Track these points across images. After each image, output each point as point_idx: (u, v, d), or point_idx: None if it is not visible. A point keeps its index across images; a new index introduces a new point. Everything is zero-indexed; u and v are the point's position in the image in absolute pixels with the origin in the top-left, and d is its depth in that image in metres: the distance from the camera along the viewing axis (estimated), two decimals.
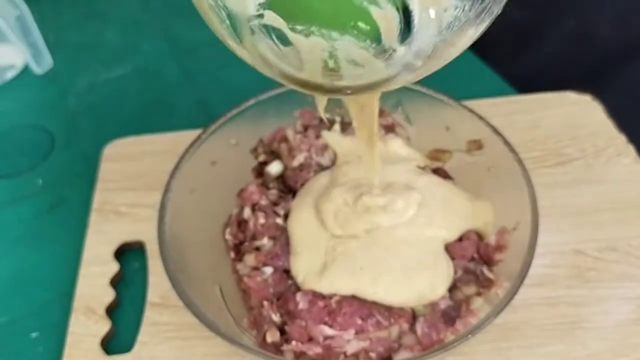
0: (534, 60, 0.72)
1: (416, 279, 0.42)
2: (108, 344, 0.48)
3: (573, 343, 0.45)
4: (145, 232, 0.53)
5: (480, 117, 0.47)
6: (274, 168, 0.49)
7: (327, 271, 0.42)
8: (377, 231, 0.44)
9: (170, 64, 0.75)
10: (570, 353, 0.45)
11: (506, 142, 0.46)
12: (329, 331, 0.41)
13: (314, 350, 0.40)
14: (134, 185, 0.57)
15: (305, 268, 0.44)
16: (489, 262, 0.44)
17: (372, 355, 0.40)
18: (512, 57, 0.69)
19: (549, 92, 0.62)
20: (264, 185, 0.49)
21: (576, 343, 0.45)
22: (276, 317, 0.42)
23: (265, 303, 0.42)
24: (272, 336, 0.40)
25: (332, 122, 0.51)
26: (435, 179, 0.49)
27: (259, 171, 0.50)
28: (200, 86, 0.72)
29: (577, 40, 0.70)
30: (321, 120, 0.51)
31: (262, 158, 0.50)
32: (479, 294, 0.43)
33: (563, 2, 0.67)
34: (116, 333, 0.49)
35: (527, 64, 0.72)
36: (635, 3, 0.66)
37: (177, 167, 0.45)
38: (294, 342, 0.40)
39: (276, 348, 0.40)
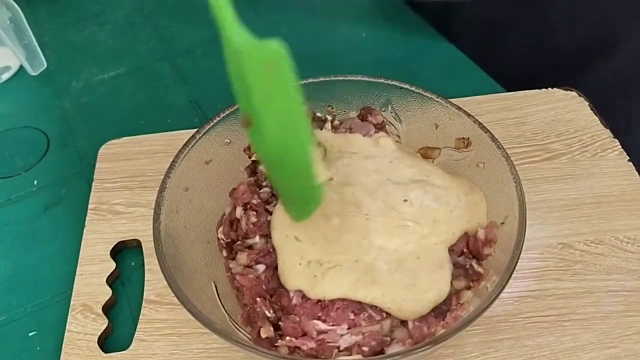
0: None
1: (423, 294, 0.42)
2: (105, 342, 0.48)
3: (562, 335, 0.46)
4: (141, 230, 0.54)
5: (469, 115, 0.47)
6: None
7: (318, 286, 0.42)
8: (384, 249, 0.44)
9: (164, 65, 0.75)
10: (559, 345, 0.45)
11: (494, 139, 0.46)
12: (322, 326, 0.41)
13: (308, 345, 0.40)
14: (130, 185, 0.58)
15: (287, 272, 0.43)
16: (478, 256, 0.45)
17: (365, 349, 0.40)
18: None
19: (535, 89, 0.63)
20: (257, 184, 0.49)
21: (565, 335, 0.46)
22: (270, 313, 0.42)
23: (259, 300, 0.43)
24: (267, 332, 0.41)
25: (323, 121, 0.51)
26: (440, 172, 0.48)
27: (252, 169, 0.50)
28: (194, 86, 0.72)
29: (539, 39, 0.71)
30: (313, 118, 0.51)
31: (255, 156, 0.50)
32: (468, 288, 0.44)
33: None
34: (113, 331, 0.49)
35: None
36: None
37: (172, 166, 0.46)
38: (287, 338, 0.41)
39: (271, 343, 0.41)
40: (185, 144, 0.47)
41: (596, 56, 0.70)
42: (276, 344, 0.41)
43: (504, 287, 0.39)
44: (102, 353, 0.47)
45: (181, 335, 0.47)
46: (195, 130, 0.48)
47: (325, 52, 0.76)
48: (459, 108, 0.48)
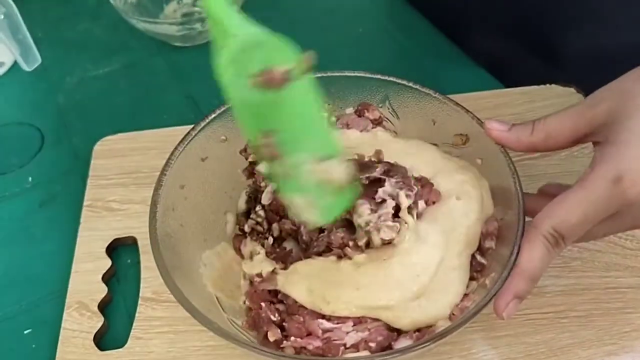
0: None
1: (440, 311, 0.41)
2: (101, 340, 0.48)
3: (560, 332, 0.46)
4: (136, 227, 0.53)
5: (467, 110, 0.47)
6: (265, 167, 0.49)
7: (325, 305, 0.41)
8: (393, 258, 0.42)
9: (159, 61, 0.75)
10: (558, 342, 0.45)
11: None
12: (327, 325, 0.41)
13: (314, 344, 0.40)
14: (125, 182, 0.57)
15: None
16: (479, 249, 0.44)
17: (372, 345, 0.40)
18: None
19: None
20: (255, 185, 0.49)
21: (563, 332, 0.46)
22: (275, 317, 0.42)
23: (264, 305, 0.42)
24: (274, 335, 0.41)
25: None
26: (445, 168, 0.47)
27: (250, 171, 0.50)
28: (189, 82, 0.72)
29: None
30: None
31: (252, 158, 0.49)
32: (472, 279, 0.43)
33: None
34: (109, 329, 0.49)
35: None
36: None
37: (167, 164, 0.45)
38: (292, 338, 0.40)
39: (277, 345, 0.41)
40: (181, 141, 0.47)
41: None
42: (282, 346, 0.40)
43: (504, 282, 0.38)
44: (98, 351, 0.46)
45: (178, 333, 0.47)
46: (191, 126, 0.48)
47: (321, 47, 0.75)
48: (457, 104, 0.47)
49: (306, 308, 0.41)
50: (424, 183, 0.45)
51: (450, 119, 0.48)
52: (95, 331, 0.47)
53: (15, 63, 0.73)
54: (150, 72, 0.74)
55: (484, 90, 0.63)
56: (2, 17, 0.69)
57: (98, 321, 0.48)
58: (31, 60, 0.72)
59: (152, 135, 0.61)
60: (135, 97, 0.70)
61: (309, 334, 0.40)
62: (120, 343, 0.47)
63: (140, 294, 0.49)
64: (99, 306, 0.49)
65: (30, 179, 0.62)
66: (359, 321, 0.41)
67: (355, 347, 0.40)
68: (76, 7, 0.84)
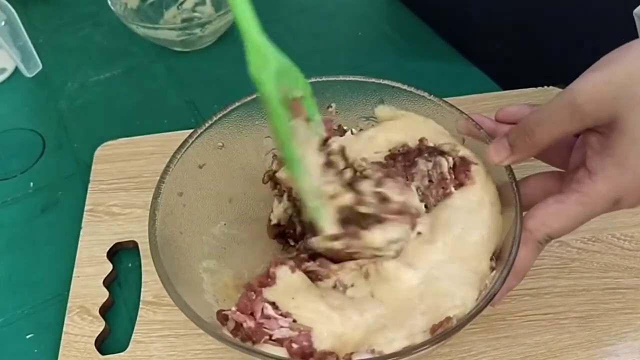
0: None
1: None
2: (103, 344, 0.48)
3: (559, 333, 0.46)
4: (138, 232, 0.54)
5: (461, 112, 0.47)
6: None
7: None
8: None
9: (159, 66, 0.75)
10: (557, 343, 0.46)
11: (488, 136, 0.46)
12: (270, 312, 0.40)
13: (248, 323, 0.39)
14: (126, 186, 0.58)
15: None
16: None
17: (294, 346, 0.39)
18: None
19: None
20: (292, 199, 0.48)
21: (562, 333, 0.46)
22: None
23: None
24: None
25: (345, 131, 0.50)
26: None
27: (275, 182, 0.50)
28: (189, 87, 0.72)
29: None
30: (338, 127, 0.50)
31: (275, 166, 0.50)
32: None
33: None
34: (110, 333, 0.49)
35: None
36: None
37: (165, 171, 0.45)
38: (234, 308, 0.40)
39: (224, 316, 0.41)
40: (179, 148, 0.46)
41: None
42: (225, 312, 0.40)
43: (502, 284, 0.38)
44: (100, 355, 0.47)
45: (179, 337, 0.47)
46: (191, 130, 0.48)
47: (322, 51, 0.76)
48: (451, 105, 0.47)
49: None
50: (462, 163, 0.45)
51: (446, 120, 0.48)
52: (96, 335, 0.48)
53: (17, 69, 0.74)
54: (151, 77, 0.74)
55: (483, 92, 0.63)
56: (3, 23, 0.69)
57: (99, 325, 0.48)
58: (32, 66, 0.72)
59: (153, 140, 0.62)
60: (136, 102, 0.71)
61: (251, 313, 0.40)
62: (121, 347, 0.47)
63: (141, 298, 0.50)
64: (100, 310, 0.49)
65: (31, 184, 0.62)
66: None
67: (279, 342, 0.39)
68: (76, 13, 0.84)
